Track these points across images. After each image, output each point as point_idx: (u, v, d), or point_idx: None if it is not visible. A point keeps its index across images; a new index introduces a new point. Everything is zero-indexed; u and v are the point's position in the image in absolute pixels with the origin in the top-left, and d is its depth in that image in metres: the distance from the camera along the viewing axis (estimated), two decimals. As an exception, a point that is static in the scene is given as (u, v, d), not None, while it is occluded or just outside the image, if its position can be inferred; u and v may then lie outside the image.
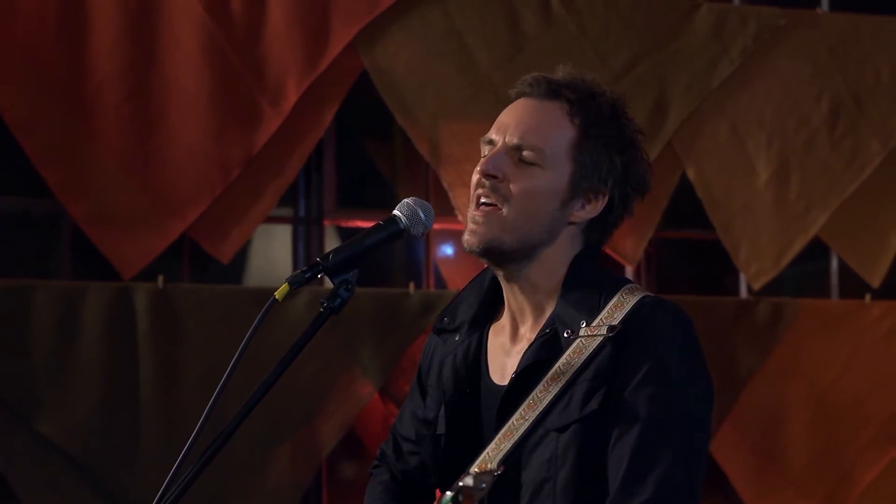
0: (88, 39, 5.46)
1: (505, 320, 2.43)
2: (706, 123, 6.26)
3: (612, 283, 2.35)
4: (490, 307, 2.47)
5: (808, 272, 6.84)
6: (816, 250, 6.56)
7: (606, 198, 2.37)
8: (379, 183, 6.76)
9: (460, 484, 2.02)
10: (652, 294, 2.34)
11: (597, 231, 2.41)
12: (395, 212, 2.35)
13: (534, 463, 2.28)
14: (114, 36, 5.47)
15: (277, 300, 2.24)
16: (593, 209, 2.37)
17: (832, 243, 6.55)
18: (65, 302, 5.33)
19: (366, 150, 6.70)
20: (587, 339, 2.27)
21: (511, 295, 2.41)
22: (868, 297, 6.44)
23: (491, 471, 2.21)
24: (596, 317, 2.29)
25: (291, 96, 5.66)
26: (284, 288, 2.25)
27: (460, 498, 2.00)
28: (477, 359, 2.43)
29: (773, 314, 6.24)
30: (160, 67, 5.54)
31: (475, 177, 2.40)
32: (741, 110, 6.36)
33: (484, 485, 2.04)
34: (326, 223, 6.09)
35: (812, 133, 6.45)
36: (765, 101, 6.40)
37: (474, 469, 2.32)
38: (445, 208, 5.93)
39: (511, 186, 2.33)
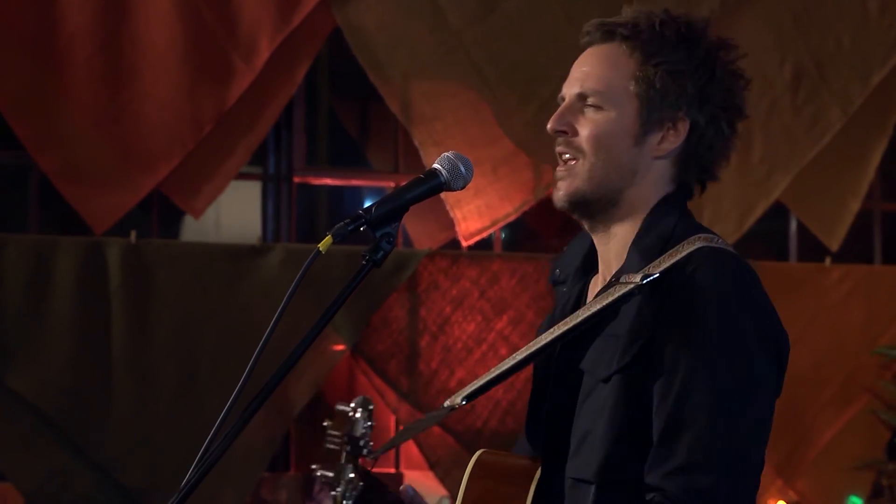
0: (59, -9, 5.39)
1: (601, 269, 2.38)
2: (672, 87, 6.29)
3: (683, 231, 2.26)
4: (594, 256, 2.40)
5: (764, 231, 6.90)
6: (774, 210, 6.63)
7: (686, 124, 2.28)
8: (348, 141, 6.75)
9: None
10: (716, 244, 2.23)
11: (693, 163, 2.31)
12: (436, 165, 2.32)
13: (584, 413, 2.24)
14: (85, -12, 5.41)
15: (321, 252, 2.21)
16: (675, 139, 2.28)
17: (793, 207, 6.63)
18: (36, 256, 5.29)
19: (335, 108, 6.68)
20: (619, 286, 2.21)
21: (599, 245, 2.37)
22: (828, 261, 6.53)
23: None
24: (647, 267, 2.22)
25: (264, 52, 5.63)
26: (328, 240, 2.20)
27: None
28: (575, 311, 2.35)
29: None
30: (132, 21, 5.48)
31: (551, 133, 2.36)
32: (707, 74, 6.39)
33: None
34: (296, 180, 6.06)
35: (775, 98, 6.51)
36: (730, 66, 6.44)
37: (447, 402, 2.33)
38: (415, 167, 5.94)
39: (581, 136, 2.30)
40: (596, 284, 2.38)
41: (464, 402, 2.28)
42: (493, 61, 5.95)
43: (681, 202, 2.33)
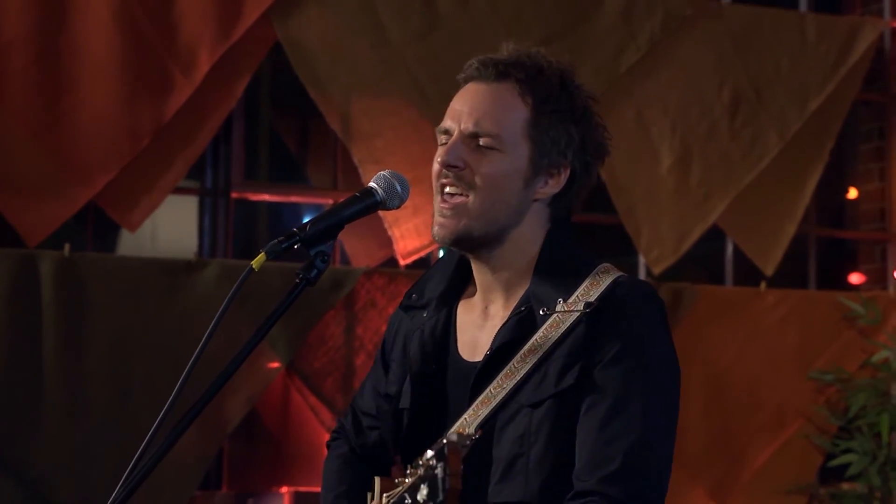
0: (-4, 0, 5.33)
1: (476, 297, 2.45)
2: (612, 109, 6.30)
3: (585, 262, 2.38)
4: (459, 284, 2.49)
5: (700, 254, 6.93)
6: (711, 234, 6.66)
7: (568, 170, 2.39)
8: (287, 157, 6.72)
9: (444, 441, 2.00)
10: (625, 274, 2.37)
11: (563, 204, 2.42)
12: (372, 184, 2.34)
13: (506, 439, 2.30)
14: (23, -3, 5.35)
15: (255, 270, 2.20)
16: (557, 184, 2.39)
17: (729, 231, 6.67)
18: (-33, 268, 5.21)
19: (274, 124, 6.65)
20: (564, 314, 2.30)
21: (480, 274, 2.44)
22: (763, 285, 6.57)
23: (468, 434, 2.22)
24: (572, 294, 2.32)
25: (203, 65, 5.58)
26: (261, 258, 2.22)
27: (446, 451, 1.97)
28: (445, 335, 2.45)
29: (672, 299, 6.32)
30: (70, 31, 5.42)
31: (435, 166, 2.40)
32: (647, 97, 6.44)
33: (468, 442, 2.03)
34: (233, 195, 6.02)
35: (713, 122, 6.55)
36: (669, 88, 6.48)
37: (455, 431, 2.32)
38: (354, 184, 5.91)
39: (474, 173, 2.35)
40: (468, 309, 2.46)
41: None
42: (435, 79, 5.95)
43: (571, 233, 2.44)
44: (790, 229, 6.67)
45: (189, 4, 5.57)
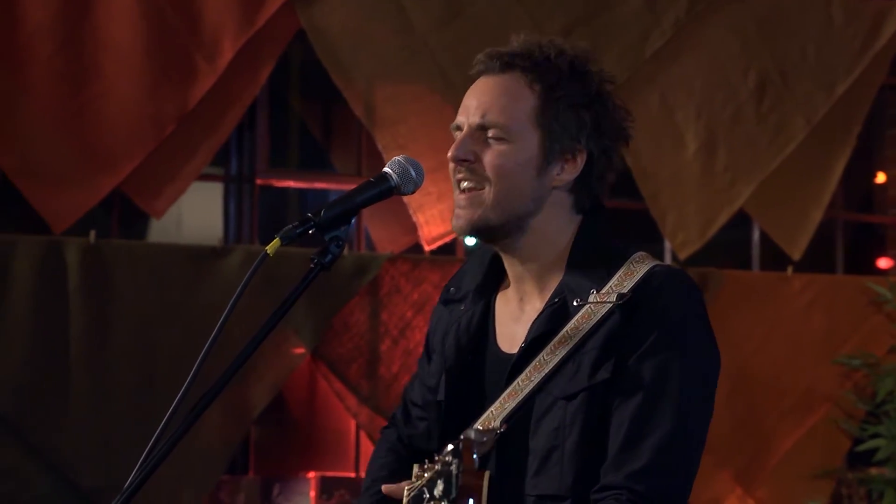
0: (21, -11, 5.35)
1: (511, 290, 2.44)
2: (637, 94, 6.28)
3: (620, 252, 2.35)
4: (496, 276, 2.48)
5: (726, 240, 6.91)
6: (737, 219, 6.64)
7: (584, 155, 2.36)
8: (311, 144, 6.73)
9: (461, 437, 1.99)
10: (662, 263, 2.34)
11: (585, 190, 2.39)
12: (386, 169, 2.35)
13: (542, 431, 2.29)
14: (47, -14, 5.37)
15: (269, 255, 2.21)
16: (573, 170, 2.36)
17: (756, 216, 6.64)
18: (-6, 255, 5.25)
19: (299, 111, 6.66)
20: (596, 305, 2.29)
21: (511, 266, 2.43)
22: (790, 270, 6.55)
23: (493, 429, 2.22)
24: (605, 285, 2.30)
25: (227, 53, 5.60)
26: (276, 243, 2.22)
27: (460, 448, 1.98)
28: (482, 327, 2.45)
29: (698, 284, 6.28)
30: (93, 19, 5.44)
31: (450, 162, 2.40)
32: (672, 82, 6.41)
33: (485, 439, 2.02)
34: (258, 182, 6.04)
35: (739, 106, 6.52)
36: (695, 73, 6.46)
37: (477, 426, 2.32)
38: (379, 170, 5.91)
39: (485, 166, 2.35)
40: (505, 301, 2.45)
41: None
42: (459, 65, 5.93)
43: (604, 222, 2.41)
44: (817, 214, 6.64)
45: (212, -8, 5.60)
